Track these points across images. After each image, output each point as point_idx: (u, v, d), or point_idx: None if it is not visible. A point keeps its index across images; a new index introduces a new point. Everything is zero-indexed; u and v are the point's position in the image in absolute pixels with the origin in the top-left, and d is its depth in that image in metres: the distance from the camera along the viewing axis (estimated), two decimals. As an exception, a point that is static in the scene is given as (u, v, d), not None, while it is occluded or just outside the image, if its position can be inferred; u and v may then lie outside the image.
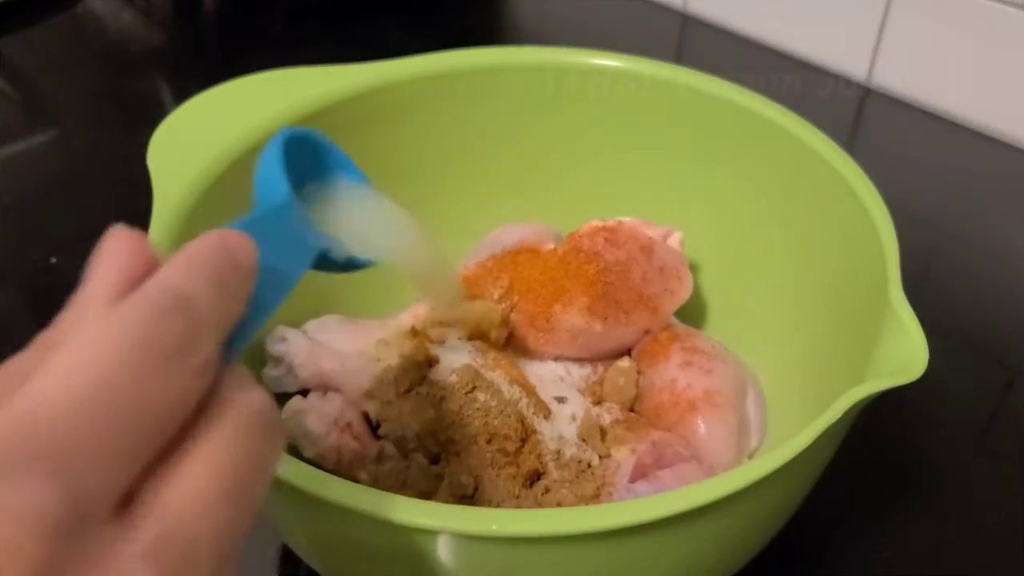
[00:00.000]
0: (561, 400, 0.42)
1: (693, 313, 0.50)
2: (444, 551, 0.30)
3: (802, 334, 0.45)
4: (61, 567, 0.17)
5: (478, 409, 0.40)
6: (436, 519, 0.28)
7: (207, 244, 0.22)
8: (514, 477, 0.39)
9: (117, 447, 0.18)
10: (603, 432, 0.41)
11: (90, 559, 0.17)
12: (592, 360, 0.45)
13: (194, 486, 0.19)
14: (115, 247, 0.21)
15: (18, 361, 0.20)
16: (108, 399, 0.18)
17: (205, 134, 0.42)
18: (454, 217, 0.51)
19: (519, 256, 0.46)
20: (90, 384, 0.18)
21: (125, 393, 0.18)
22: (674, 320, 0.47)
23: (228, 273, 0.22)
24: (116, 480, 0.18)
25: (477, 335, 0.44)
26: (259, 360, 0.44)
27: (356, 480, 0.38)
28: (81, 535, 0.17)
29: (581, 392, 0.44)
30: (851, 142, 0.72)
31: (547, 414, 0.41)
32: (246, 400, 0.21)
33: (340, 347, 0.43)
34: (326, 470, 0.30)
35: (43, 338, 0.20)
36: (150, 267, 0.21)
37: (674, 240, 0.47)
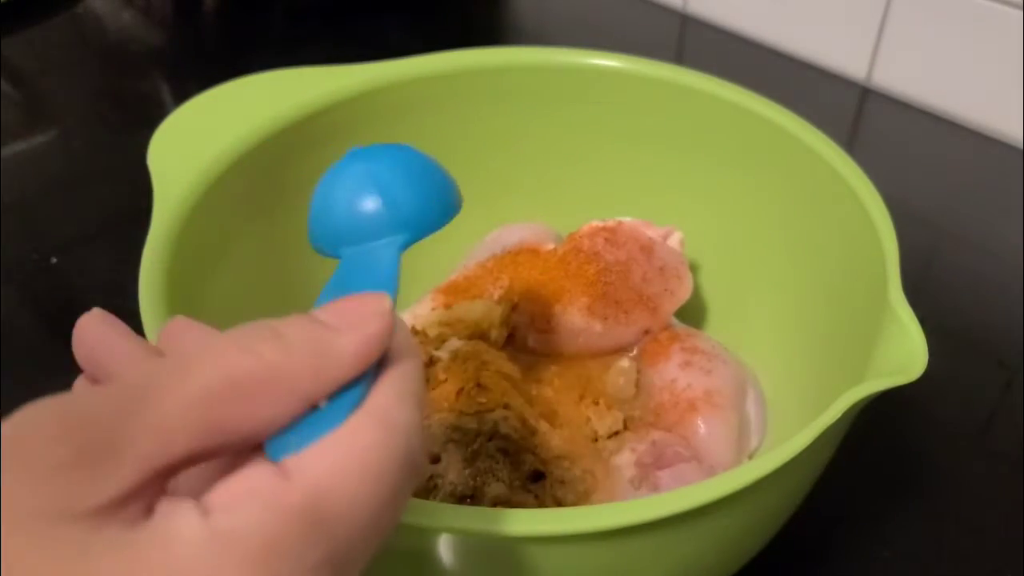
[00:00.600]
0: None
1: (693, 313, 0.50)
2: (444, 551, 0.30)
3: (802, 334, 0.45)
4: None
5: (478, 409, 0.40)
6: (436, 519, 0.28)
7: (412, 346, 0.22)
8: (515, 477, 0.39)
9: (372, 542, 0.20)
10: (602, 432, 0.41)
11: None
12: (592, 360, 0.45)
13: None
14: (374, 312, 0.21)
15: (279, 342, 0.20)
16: (364, 511, 0.19)
17: (205, 134, 0.42)
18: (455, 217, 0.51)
19: (519, 256, 0.46)
20: (363, 495, 0.19)
21: (374, 511, 0.20)
22: (674, 320, 0.47)
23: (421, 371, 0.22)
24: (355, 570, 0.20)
25: (477, 335, 0.44)
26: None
27: (356, 480, 0.38)
28: None
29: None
30: (851, 142, 0.72)
31: (547, 414, 0.41)
32: None
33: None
34: (326, 470, 0.30)
35: (269, 353, 0.19)
36: (386, 344, 0.21)
37: (674, 240, 0.47)
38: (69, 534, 0.16)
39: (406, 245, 0.26)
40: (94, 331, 0.23)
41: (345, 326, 0.20)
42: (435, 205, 0.27)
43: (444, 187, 0.27)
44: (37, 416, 0.17)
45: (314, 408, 0.20)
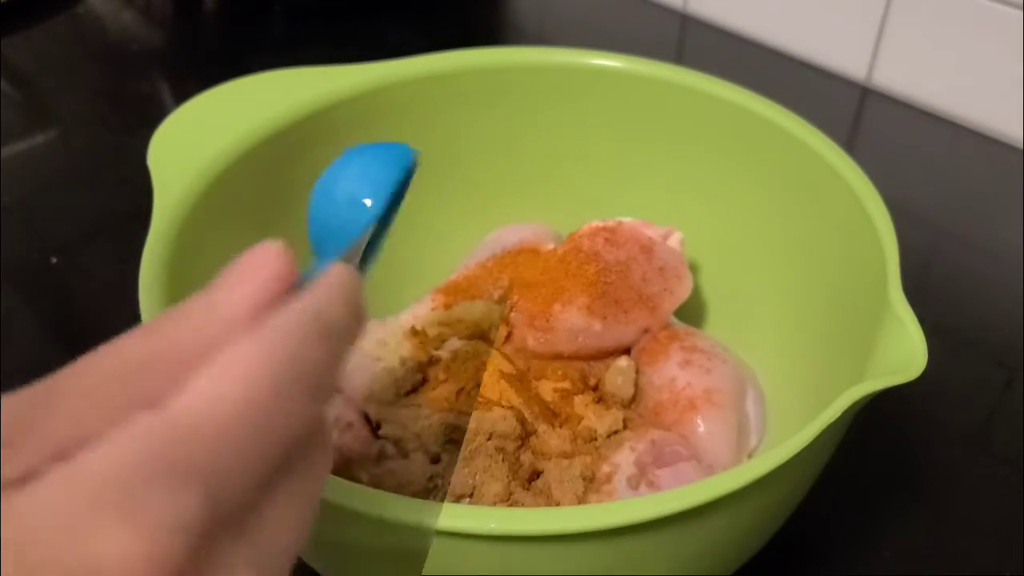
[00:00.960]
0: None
1: (693, 313, 0.50)
2: (444, 550, 0.30)
3: (802, 333, 0.45)
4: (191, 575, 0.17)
5: (478, 409, 0.40)
6: (436, 519, 0.28)
7: (345, 273, 0.22)
8: (514, 476, 0.39)
9: (254, 467, 0.19)
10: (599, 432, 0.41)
11: (211, 570, 0.18)
12: (591, 360, 0.45)
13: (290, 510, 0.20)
14: (261, 261, 0.21)
15: (153, 342, 0.20)
16: (256, 419, 0.19)
17: (205, 134, 0.42)
18: (454, 217, 0.51)
19: (519, 256, 0.46)
20: (242, 400, 0.19)
21: (271, 414, 0.19)
22: (673, 319, 0.47)
23: (357, 306, 0.22)
24: (243, 497, 0.19)
25: (477, 335, 0.44)
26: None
27: (356, 480, 0.38)
28: (210, 548, 0.18)
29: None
30: (851, 142, 0.72)
31: (546, 414, 0.41)
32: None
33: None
34: (326, 469, 0.30)
35: (170, 329, 0.20)
36: (288, 286, 0.21)
37: (674, 240, 0.47)
38: None
39: (375, 216, 0.27)
40: None
41: (228, 288, 0.21)
42: (400, 175, 0.28)
43: (401, 153, 0.28)
44: None
45: None
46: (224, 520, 0.18)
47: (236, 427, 0.18)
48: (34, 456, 0.18)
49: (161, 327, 0.20)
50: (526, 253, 0.47)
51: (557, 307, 0.43)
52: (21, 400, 0.19)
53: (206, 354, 0.19)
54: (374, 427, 0.42)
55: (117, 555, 0.16)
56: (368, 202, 0.27)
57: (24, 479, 0.17)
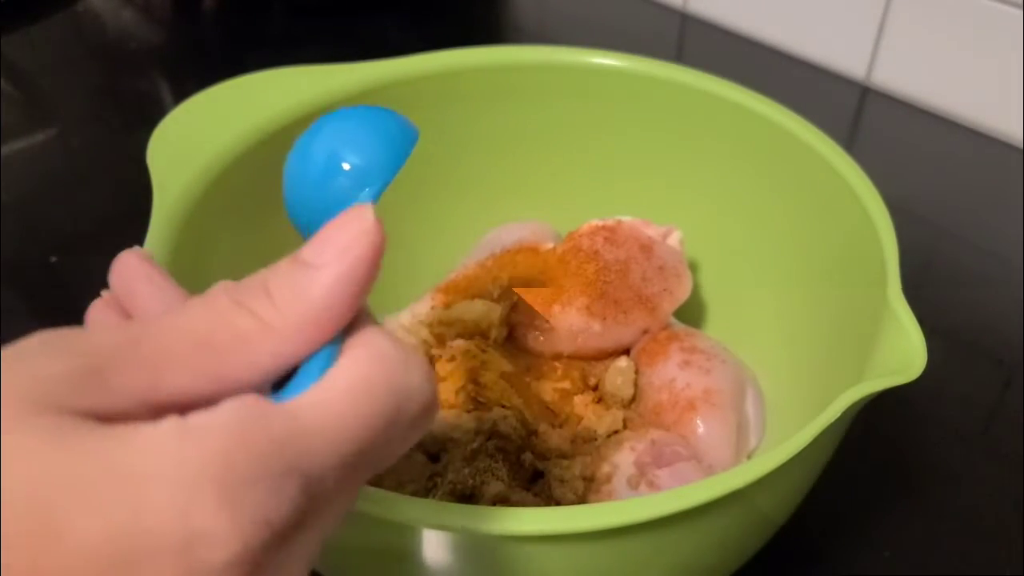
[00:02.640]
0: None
1: (692, 313, 0.50)
2: (443, 550, 0.30)
3: (801, 334, 0.45)
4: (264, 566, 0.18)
5: (478, 408, 0.40)
6: (436, 518, 0.28)
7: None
8: (514, 476, 0.39)
9: (346, 483, 0.19)
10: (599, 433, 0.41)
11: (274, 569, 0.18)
12: (591, 360, 0.45)
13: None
14: (357, 233, 0.21)
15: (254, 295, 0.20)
16: (362, 437, 0.19)
17: (205, 133, 0.42)
18: (454, 217, 0.51)
19: (519, 255, 0.46)
20: (359, 416, 0.19)
21: (376, 437, 0.20)
22: (673, 320, 0.47)
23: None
24: (323, 507, 0.19)
25: (477, 334, 0.44)
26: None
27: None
28: (280, 547, 0.18)
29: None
30: (850, 142, 0.72)
31: (546, 414, 0.41)
32: None
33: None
34: (325, 469, 0.30)
35: (258, 306, 0.20)
36: (378, 266, 0.21)
37: (673, 239, 0.47)
38: (51, 421, 0.17)
39: (379, 193, 0.25)
40: (128, 268, 0.24)
41: (325, 262, 0.20)
42: (397, 146, 0.26)
43: (399, 124, 0.27)
44: (42, 339, 0.18)
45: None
46: (299, 523, 0.18)
47: (345, 442, 0.19)
48: (122, 397, 0.18)
49: (249, 305, 0.20)
50: (525, 252, 0.46)
51: (557, 307, 0.43)
52: (104, 336, 0.19)
53: (294, 337, 0.20)
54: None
55: (213, 538, 0.16)
56: (348, 166, 0.24)
57: (123, 417, 0.17)
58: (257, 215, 0.44)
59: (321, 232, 0.21)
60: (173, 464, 0.17)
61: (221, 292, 0.20)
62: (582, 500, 0.38)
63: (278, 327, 0.20)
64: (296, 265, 0.20)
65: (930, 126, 0.72)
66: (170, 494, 0.16)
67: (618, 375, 0.44)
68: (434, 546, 0.30)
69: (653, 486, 0.38)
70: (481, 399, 0.41)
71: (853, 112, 0.75)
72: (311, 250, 0.21)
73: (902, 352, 0.32)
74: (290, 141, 0.39)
